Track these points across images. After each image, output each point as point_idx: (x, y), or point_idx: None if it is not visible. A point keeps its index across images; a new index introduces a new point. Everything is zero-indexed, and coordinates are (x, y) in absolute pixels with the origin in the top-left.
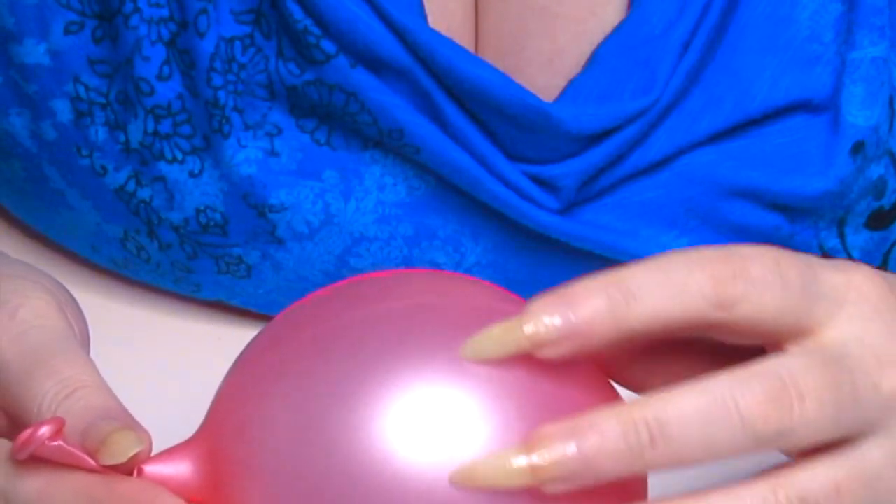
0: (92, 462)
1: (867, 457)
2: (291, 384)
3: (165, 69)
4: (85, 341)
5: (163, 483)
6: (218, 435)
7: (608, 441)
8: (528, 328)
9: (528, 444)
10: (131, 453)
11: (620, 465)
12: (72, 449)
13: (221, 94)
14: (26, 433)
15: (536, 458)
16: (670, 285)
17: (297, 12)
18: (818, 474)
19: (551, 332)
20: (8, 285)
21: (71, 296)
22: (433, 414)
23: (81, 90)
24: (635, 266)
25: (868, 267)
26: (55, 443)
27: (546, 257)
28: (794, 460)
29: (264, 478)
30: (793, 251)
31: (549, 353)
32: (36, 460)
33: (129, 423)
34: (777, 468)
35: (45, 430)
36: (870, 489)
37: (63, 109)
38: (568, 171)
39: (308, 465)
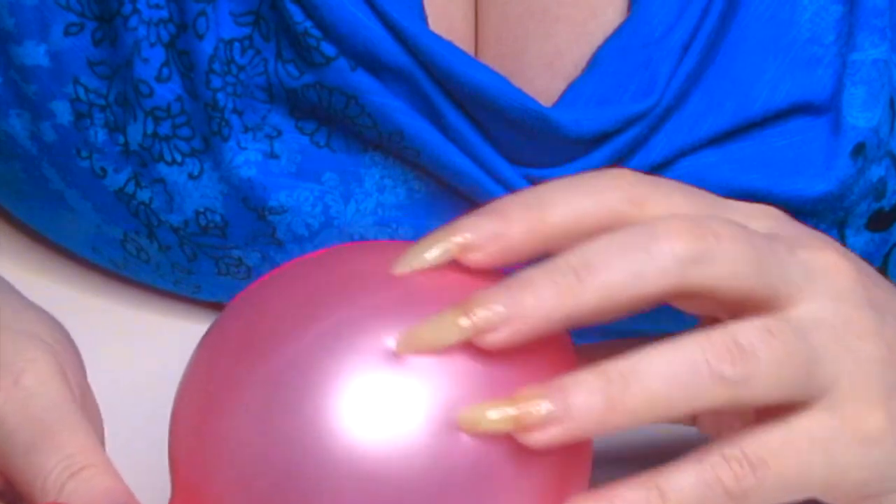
0: None
1: (796, 315)
2: (245, 403)
3: (165, 71)
4: (85, 398)
5: None
6: (187, 486)
7: (539, 286)
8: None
9: (462, 305)
10: None
11: (553, 301)
12: None
13: (220, 96)
14: None
15: (475, 316)
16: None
17: (297, 14)
18: (749, 322)
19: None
20: (10, 345)
21: (68, 339)
22: (376, 398)
23: (81, 91)
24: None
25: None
26: None
27: None
28: None
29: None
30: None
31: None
32: None
33: None
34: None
35: None
36: (801, 339)
37: (63, 111)
38: (568, 175)
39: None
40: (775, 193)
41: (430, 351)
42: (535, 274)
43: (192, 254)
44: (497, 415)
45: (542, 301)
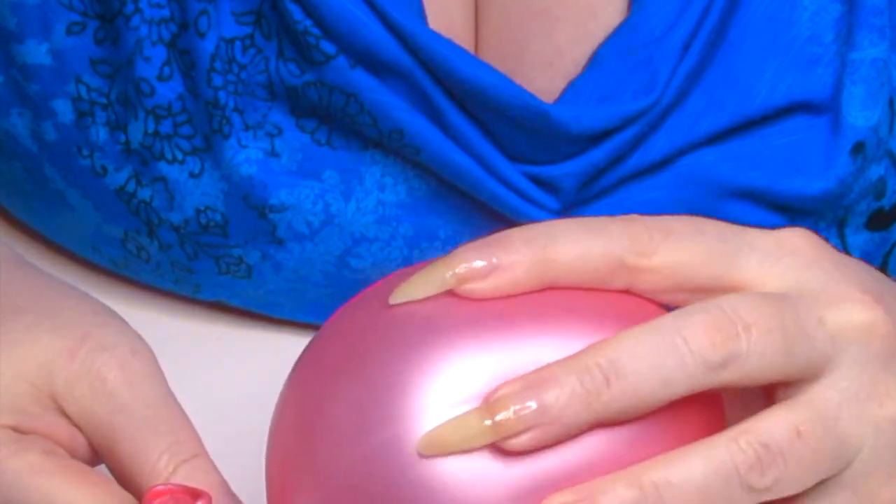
0: None
1: (823, 398)
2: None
3: (166, 70)
4: None
5: None
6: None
7: (564, 388)
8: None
9: (487, 405)
10: None
11: (580, 410)
12: None
13: (222, 95)
14: (163, 490)
15: (497, 417)
16: (590, 232)
17: (297, 13)
18: (778, 420)
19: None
20: (116, 329)
21: None
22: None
23: (83, 90)
24: (558, 220)
25: (801, 227)
26: None
27: None
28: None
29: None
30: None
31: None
32: None
33: None
34: (739, 423)
35: None
36: (829, 431)
37: (64, 110)
38: (568, 172)
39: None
40: (775, 191)
41: (454, 453)
42: (562, 372)
43: (192, 252)
44: None
45: (568, 406)
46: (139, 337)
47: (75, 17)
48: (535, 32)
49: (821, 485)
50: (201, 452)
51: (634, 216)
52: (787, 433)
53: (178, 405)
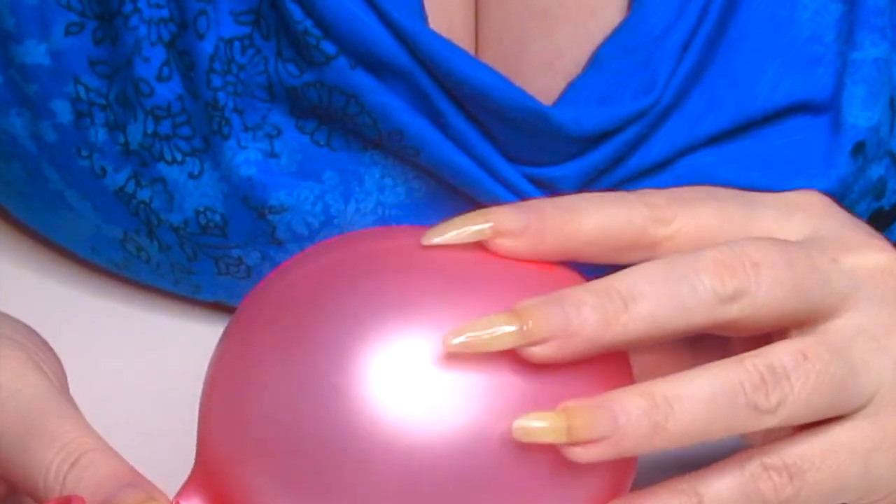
0: None
1: (836, 328)
2: (267, 387)
3: (165, 70)
4: (63, 386)
5: None
6: (212, 461)
7: (585, 305)
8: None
9: (513, 311)
10: None
11: (599, 328)
12: None
13: (221, 96)
14: None
15: (524, 322)
16: (611, 204)
17: (297, 13)
18: (785, 346)
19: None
20: None
21: (39, 337)
22: (414, 369)
23: (81, 91)
24: (582, 193)
25: (812, 189)
26: None
27: None
28: None
29: (265, 475)
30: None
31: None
32: None
33: (146, 488)
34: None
35: None
36: (838, 356)
37: (63, 110)
38: (568, 173)
39: (302, 449)
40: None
41: (478, 354)
42: (585, 295)
43: (192, 253)
44: (548, 425)
45: (590, 324)
46: (4, 339)
47: (74, 18)
48: (535, 32)
49: (840, 418)
50: (90, 447)
51: (648, 189)
52: (791, 356)
53: (61, 401)
